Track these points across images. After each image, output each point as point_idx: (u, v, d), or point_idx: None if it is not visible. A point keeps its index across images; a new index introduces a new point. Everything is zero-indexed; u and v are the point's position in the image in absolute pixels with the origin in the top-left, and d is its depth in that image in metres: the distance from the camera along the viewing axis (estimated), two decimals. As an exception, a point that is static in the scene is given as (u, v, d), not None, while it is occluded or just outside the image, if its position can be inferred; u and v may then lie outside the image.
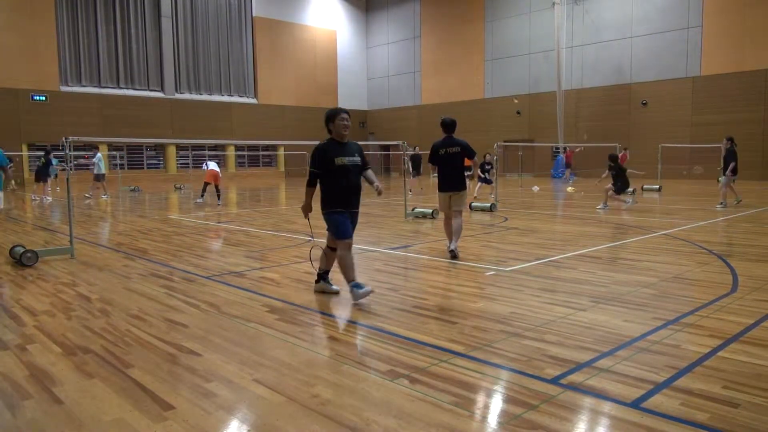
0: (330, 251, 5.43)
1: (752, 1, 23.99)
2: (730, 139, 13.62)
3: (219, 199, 16.63)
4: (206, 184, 17.03)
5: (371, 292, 5.11)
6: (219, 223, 12.02)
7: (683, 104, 26.25)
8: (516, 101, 31.45)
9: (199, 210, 14.87)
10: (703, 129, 25.21)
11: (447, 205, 7.49)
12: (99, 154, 19.45)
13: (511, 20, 32.15)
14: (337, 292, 5.47)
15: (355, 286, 5.07)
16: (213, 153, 34.18)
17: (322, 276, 5.52)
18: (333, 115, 5.42)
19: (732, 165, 13.27)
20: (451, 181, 7.43)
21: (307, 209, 5.32)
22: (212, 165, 16.75)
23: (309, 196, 5.25)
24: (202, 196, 17.31)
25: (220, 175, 16.79)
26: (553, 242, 8.57)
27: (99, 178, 19.20)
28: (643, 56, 27.31)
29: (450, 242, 7.43)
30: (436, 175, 7.91)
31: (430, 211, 11.93)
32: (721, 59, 24.97)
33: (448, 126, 7.47)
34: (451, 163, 7.42)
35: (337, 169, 5.21)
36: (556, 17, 28.79)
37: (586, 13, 29.07)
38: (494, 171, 16.39)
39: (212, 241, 9.38)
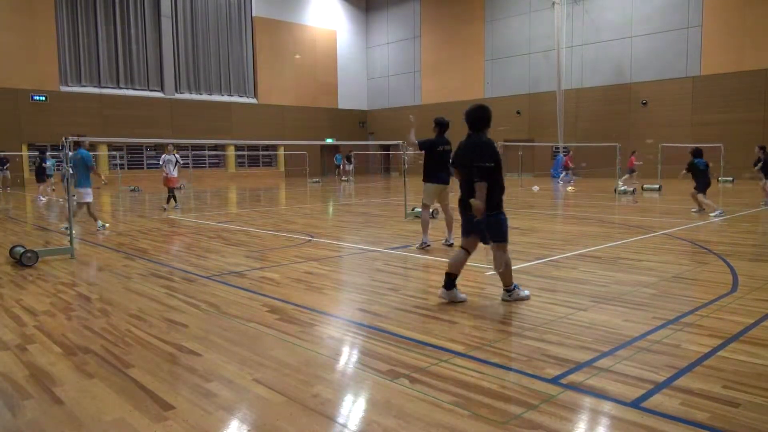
0: (466, 255, 5.18)
1: (752, 1, 23.99)
2: (762, 147, 13.77)
3: (168, 202, 14.90)
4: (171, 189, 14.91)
5: (527, 297, 5.12)
6: (219, 223, 12.02)
7: (683, 104, 26.24)
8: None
9: (199, 210, 14.85)
10: (703, 129, 25.20)
11: (434, 197, 8.06)
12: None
13: (511, 20, 32.15)
14: (465, 300, 5.10)
15: (516, 287, 5.06)
16: (213, 153, 34.22)
17: (453, 282, 5.07)
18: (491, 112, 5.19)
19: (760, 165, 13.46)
20: (444, 176, 7.95)
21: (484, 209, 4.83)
22: (168, 170, 14.51)
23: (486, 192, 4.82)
24: (173, 201, 15.06)
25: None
26: (553, 242, 8.57)
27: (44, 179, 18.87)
28: (643, 56, 27.30)
29: (426, 236, 8.10)
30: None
31: (431, 211, 11.91)
32: (721, 59, 24.96)
33: (446, 126, 8.05)
34: (443, 159, 7.90)
35: (501, 167, 5.01)
36: (556, 17, 28.79)
37: (586, 13, 29.07)
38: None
39: (212, 241, 9.37)
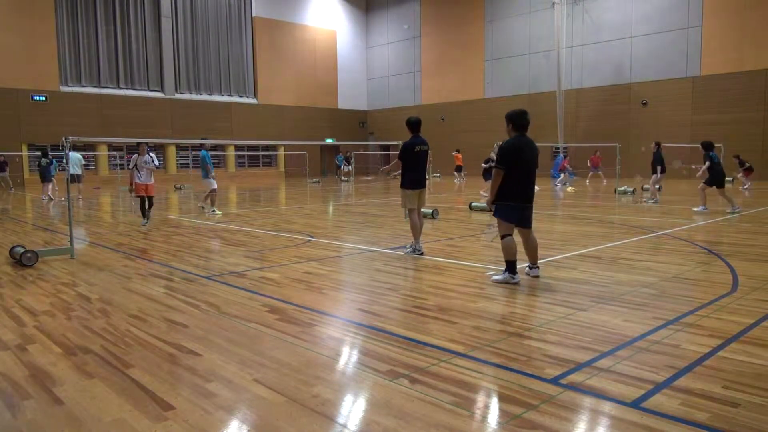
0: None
1: (752, 2, 23.98)
2: (657, 144, 14.60)
3: (147, 215, 11.87)
4: (142, 198, 11.76)
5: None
6: (219, 223, 12.02)
7: (683, 104, 26.24)
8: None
9: (199, 210, 14.84)
10: (703, 129, 25.18)
11: (415, 201, 7.67)
12: (71, 154, 16.74)
13: (511, 20, 32.15)
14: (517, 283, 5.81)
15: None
16: (213, 153, 34.14)
17: (515, 266, 5.85)
18: None
19: (659, 167, 14.38)
20: (423, 179, 7.71)
21: None
22: (145, 176, 11.53)
23: None
24: (146, 217, 11.84)
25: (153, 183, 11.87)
26: (553, 242, 8.56)
27: (74, 179, 17.21)
28: (643, 56, 27.30)
29: (418, 242, 7.70)
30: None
31: (430, 211, 11.93)
32: (721, 59, 24.96)
33: (417, 125, 7.69)
34: (423, 161, 7.65)
35: None
36: (556, 17, 28.79)
37: (586, 13, 29.07)
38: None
39: (212, 241, 9.38)
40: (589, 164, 24.99)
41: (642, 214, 12.31)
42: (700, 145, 12.83)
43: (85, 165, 20.11)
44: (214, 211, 13.51)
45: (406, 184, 7.60)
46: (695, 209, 12.21)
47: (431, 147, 8.21)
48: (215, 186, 13.38)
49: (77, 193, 18.60)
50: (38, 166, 19.80)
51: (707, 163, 12.35)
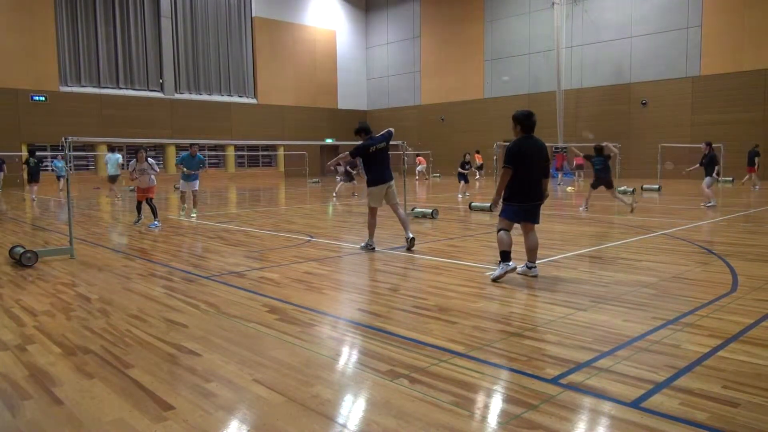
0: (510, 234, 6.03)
1: (752, 1, 24.00)
2: (709, 144, 14.15)
3: (140, 215, 12.06)
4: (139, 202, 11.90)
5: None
6: (219, 223, 12.01)
7: (683, 104, 26.25)
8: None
9: (199, 210, 14.83)
10: (703, 129, 25.21)
11: (381, 200, 8.01)
12: (107, 155, 19.53)
13: (511, 20, 32.16)
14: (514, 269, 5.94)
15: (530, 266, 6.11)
16: (213, 153, 34.18)
17: (509, 255, 5.89)
18: None
19: (717, 168, 13.97)
20: (385, 174, 7.99)
21: None
22: (144, 181, 11.59)
23: None
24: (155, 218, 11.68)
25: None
26: (553, 242, 8.56)
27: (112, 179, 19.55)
28: (643, 56, 27.32)
29: (371, 239, 8.11)
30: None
31: (430, 211, 11.94)
32: (721, 59, 24.97)
33: (368, 129, 8.22)
34: (382, 158, 8.01)
35: None
36: (556, 17, 28.79)
37: (585, 13, 29.07)
38: (473, 169, 16.70)
39: (212, 241, 9.37)
40: (573, 164, 24.98)
41: (642, 214, 12.30)
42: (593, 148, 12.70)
43: (83, 165, 20.22)
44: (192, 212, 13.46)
45: (369, 183, 8.04)
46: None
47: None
48: (183, 189, 13.11)
49: (114, 192, 19.12)
50: (27, 165, 18.99)
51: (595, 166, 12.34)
